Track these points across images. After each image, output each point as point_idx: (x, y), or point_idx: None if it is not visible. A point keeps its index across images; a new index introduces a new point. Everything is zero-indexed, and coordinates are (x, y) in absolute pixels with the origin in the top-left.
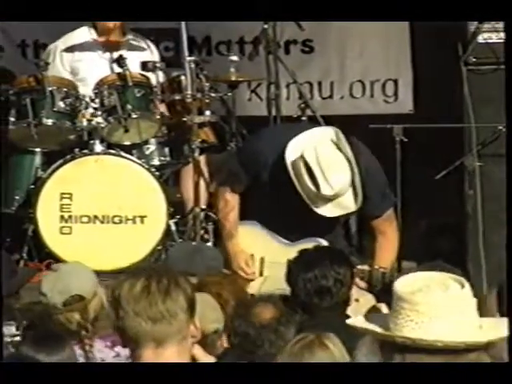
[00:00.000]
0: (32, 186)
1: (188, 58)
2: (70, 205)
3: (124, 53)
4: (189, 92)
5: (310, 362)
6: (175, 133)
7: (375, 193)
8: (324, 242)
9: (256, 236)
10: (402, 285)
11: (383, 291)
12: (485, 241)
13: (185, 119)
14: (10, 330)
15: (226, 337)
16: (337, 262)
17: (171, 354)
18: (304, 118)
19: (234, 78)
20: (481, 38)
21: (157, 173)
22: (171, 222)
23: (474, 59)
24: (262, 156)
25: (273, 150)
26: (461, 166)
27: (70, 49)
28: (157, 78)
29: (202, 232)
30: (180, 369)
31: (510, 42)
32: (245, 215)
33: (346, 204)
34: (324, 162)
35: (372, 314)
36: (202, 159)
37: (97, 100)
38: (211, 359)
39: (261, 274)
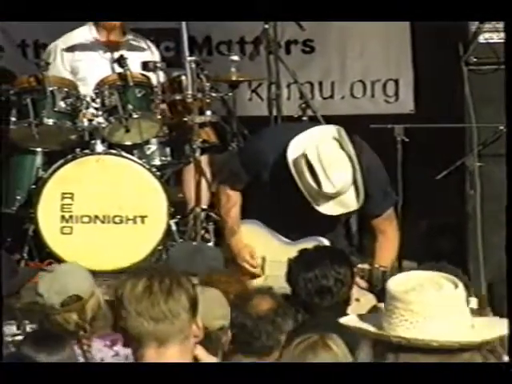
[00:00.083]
0: (33, 186)
1: (189, 58)
2: (70, 205)
3: (124, 53)
4: (189, 92)
5: (312, 362)
6: (176, 133)
7: (376, 191)
8: (325, 241)
9: (257, 235)
10: (395, 284)
11: (384, 291)
12: (485, 241)
13: (186, 119)
14: (11, 329)
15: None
16: (337, 261)
17: (173, 354)
18: (305, 118)
19: (234, 78)
20: (482, 38)
21: (158, 173)
22: (172, 222)
23: (475, 59)
24: (263, 156)
25: (274, 149)
26: (461, 166)
27: (71, 48)
28: (157, 77)
29: (203, 232)
30: (181, 369)
31: (510, 42)
32: (246, 214)
33: (347, 202)
34: (326, 159)
35: (365, 313)
36: (203, 159)
37: (98, 100)
38: (213, 359)
39: (262, 273)
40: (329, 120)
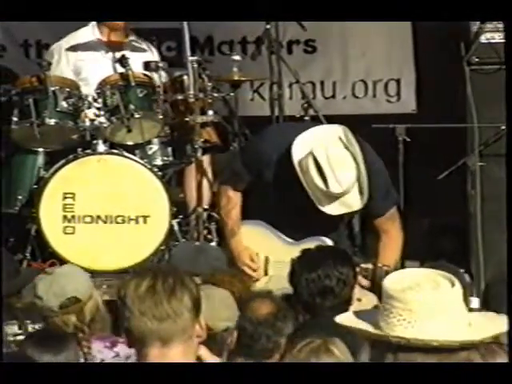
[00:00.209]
0: (35, 186)
1: (190, 58)
2: (72, 205)
3: (126, 53)
4: (191, 92)
5: (315, 362)
6: (178, 133)
7: (379, 191)
8: (328, 241)
9: (260, 235)
10: (391, 282)
11: None
12: (486, 241)
13: (187, 119)
14: (13, 329)
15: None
16: (340, 261)
17: (177, 354)
18: (307, 118)
19: (236, 78)
20: (483, 38)
21: (159, 173)
22: (174, 222)
23: (477, 59)
24: (265, 155)
25: (276, 149)
26: (463, 166)
27: (74, 48)
28: (159, 77)
29: (205, 232)
30: (184, 369)
31: (511, 42)
32: (249, 215)
33: (350, 202)
34: (334, 159)
35: (361, 310)
36: (205, 159)
37: (99, 100)
38: (217, 360)
39: (265, 274)
40: (330, 120)
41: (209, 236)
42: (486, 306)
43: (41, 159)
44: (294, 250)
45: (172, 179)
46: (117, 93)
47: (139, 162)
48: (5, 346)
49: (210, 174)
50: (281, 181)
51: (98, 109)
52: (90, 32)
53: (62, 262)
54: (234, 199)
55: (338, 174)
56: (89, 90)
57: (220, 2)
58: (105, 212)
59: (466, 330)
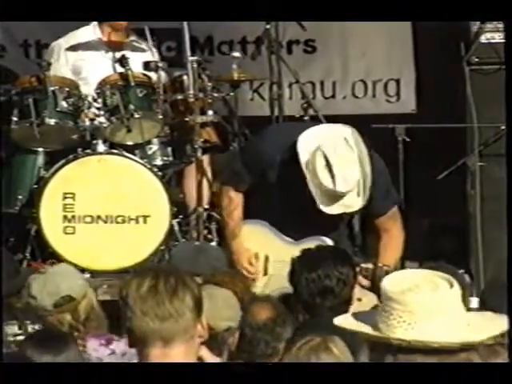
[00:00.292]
0: (35, 186)
1: (190, 58)
2: (73, 204)
3: (127, 53)
4: (191, 92)
5: (316, 362)
6: (178, 133)
7: (379, 191)
8: (328, 241)
9: (260, 235)
10: (389, 284)
11: None
12: (486, 240)
13: (187, 119)
14: (13, 329)
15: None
16: (340, 261)
17: (178, 354)
18: (306, 118)
19: (236, 76)
20: (483, 38)
21: (159, 173)
22: (174, 222)
23: (477, 59)
24: (265, 155)
25: (276, 148)
26: (463, 166)
27: (74, 47)
28: (159, 77)
29: (205, 232)
30: (185, 369)
31: (511, 42)
32: (249, 214)
33: (350, 202)
34: (342, 158)
35: (359, 312)
36: (205, 159)
37: (99, 100)
38: (217, 360)
39: (265, 273)
40: (330, 120)
41: (209, 236)
42: (483, 305)
43: (41, 159)
44: (294, 250)
45: (172, 179)
46: (117, 93)
47: (139, 162)
48: (5, 347)
49: (209, 174)
50: (281, 180)
51: (98, 109)
52: (90, 31)
53: (63, 262)
54: (235, 200)
55: (345, 172)
56: (88, 89)
57: (220, 2)
58: (105, 212)
59: (465, 331)
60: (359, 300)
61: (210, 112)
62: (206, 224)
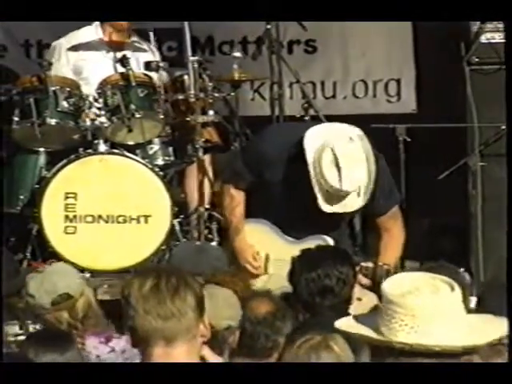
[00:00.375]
0: (36, 186)
1: (191, 58)
2: (74, 204)
3: (128, 53)
4: (192, 92)
5: (316, 362)
6: (179, 133)
7: (381, 191)
8: (329, 240)
9: (261, 233)
10: (390, 287)
11: None
12: (486, 240)
13: (188, 119)
14: (14, 329)
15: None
16: (340, 261)
17: (181, 353)
18: (307, 118)
19: (236, 76)
20: (483, 38)
21: (161, 172)
22: (175, 222)
23: (477, 59)
24: (266, 155)
25: (276, 148)
26: (464, 166)
27: (75, 47)
28: (160, 77)
29: (206, 232)
30: (187, 368)
31: (511, 42)
32: (250, 213)
33: (349, 202)
34: (350, 157)
35: (360, 314)
36: (206, 159)
37: (100, 100)
38: (219, 359)
39: (265, 272)
40: (331, 120)
41: (210, 236)
42: (482, 304)
43: (42, 159)
44: (294, 249)
45: (173, 179)
46: (118, 93)
47: (140, 162)
48: (5, 347)
49: (211, 174)
50: (283, 180)
51: (99, 109)
52: (92, 31)
53: (63, 261)
54: (236, 198)
55: (352, 172)
56: (90, 89)
57: (221, 2)
58: (106, 212)
59: (467, 335)
60: (359, 299)
61: (211, 112)
62: (207, 224)
